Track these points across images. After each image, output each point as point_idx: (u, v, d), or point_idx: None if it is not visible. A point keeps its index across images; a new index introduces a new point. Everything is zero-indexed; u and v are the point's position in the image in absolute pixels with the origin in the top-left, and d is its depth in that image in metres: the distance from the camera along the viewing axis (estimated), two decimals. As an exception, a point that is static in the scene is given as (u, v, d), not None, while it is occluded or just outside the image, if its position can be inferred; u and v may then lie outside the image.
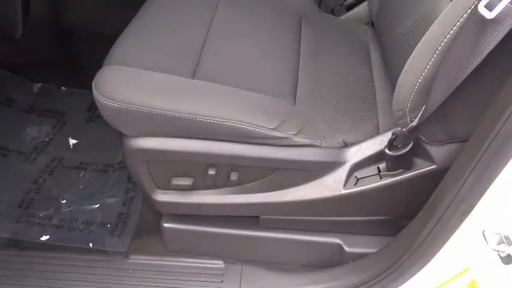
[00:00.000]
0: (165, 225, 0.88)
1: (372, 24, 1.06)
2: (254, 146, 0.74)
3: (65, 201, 1.05)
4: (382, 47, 0.94)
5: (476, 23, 0.50)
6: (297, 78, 0.86)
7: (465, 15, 0.52)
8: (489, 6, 0.48)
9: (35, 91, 1.36)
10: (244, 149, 0.74)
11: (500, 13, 0.47)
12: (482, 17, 0.48)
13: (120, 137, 0.78)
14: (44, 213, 1.02)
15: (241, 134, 0.72)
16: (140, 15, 0.92)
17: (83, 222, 1.01)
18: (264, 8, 1.02)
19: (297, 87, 0.84)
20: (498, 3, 0.47)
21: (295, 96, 0.82)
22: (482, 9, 0.48)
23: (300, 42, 0.96)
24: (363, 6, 1.11)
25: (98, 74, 0.77)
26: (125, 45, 0.83)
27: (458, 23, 0.53)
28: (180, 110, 0.71)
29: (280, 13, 1.02)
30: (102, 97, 0.72)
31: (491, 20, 0.48)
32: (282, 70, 0.86)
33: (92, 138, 1.21)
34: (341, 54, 0.97)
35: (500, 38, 0.49)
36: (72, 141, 1.21)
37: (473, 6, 0.51)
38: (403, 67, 0.63)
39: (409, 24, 0.80)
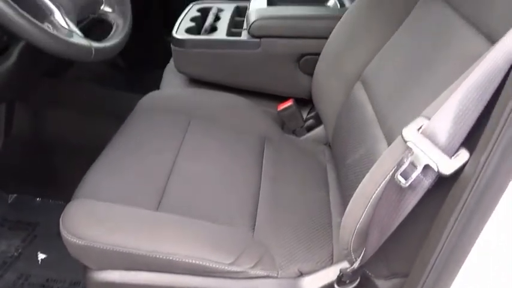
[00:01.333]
0: None
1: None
2: (212, 279, 0.77)
3: (26, 325, 1.03)
4: (336, 171, 1.02)
5: (396, 186, 0.57)
6: (257, 204, 0.92)
7: (387, 177, 0.60)
8: (405, 175, 0.55)
9: (9, 201, 1.39)
10: (202, 281, 0.77)
11: (413, 181, 0.55)
12: (400, 183, 0.56)
13: (84, 268, 0.81)
14: None
15: (200, 270, 0.75)
16: (112, 144, 0.99)
17: None
18: (231, 130, 1.11)
19: (256, 215, 0.89)
20: (412, 174, 0.55)
21: (255, 224, 0.87)
22: (399, 177, 0.56)
23: (262, 164, 1.03)
24: (321, 128, 1.21)
25: (66, 208, 0.81)
26: (95, 177, 0.89)
27: (383, 182, 0.61)
28: (141, 247, 0.75)
29: (245, 135, 1.11)
30: (68, 234, 0.76)
31: (407, 186, 0.55)
32: (244, 197, 0.92)
33: (62, 253, 1.19)
34: (300, 176, 1.04)
35: (417, 200, 0.56)
36: (41, 256, 1.22)
37: (393, 170, 0.59)
38: (351, 196, 0.70)
39: (356, 157, 0.89)
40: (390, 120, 0.82)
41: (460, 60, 0.67)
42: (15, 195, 1.40)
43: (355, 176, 0.86)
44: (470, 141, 0.52)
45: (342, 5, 1.27)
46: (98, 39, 0.85)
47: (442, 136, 0.53)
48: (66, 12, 0.75)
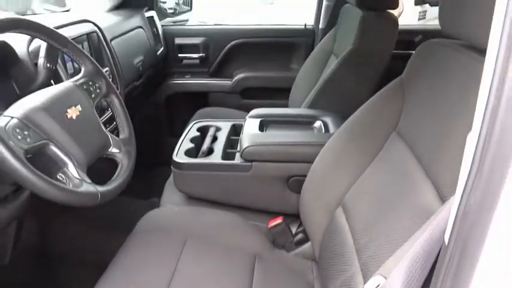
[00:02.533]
0: None
1: (318, 261, 1.21)
2: None
3: None
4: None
5: None
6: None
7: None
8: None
9: (11, 312, 1.43)
10: None
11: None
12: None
13: None
14: None
15: None
16: (109, 271, 1.05)
17: None
18: (224, 248, 1.18)
19: None
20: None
21: None
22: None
23: (252, 286, 1.09)
24: (310, 243, 1.28)
25: None
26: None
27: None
28: None
29: (237, 253, 1.17)
30: None
31: None
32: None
33: None
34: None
35: None
36: None
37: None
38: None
39: (337, 285, 0.95)
40: (365, 255, 0.89)
41: (416, 215, 0.76)
42: (17, 305, 1.44)
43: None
44: (419, 304, 0.59)
45: (327, 129, 1.41)
46: (102, 176, 0.96)
47: (395, 297, 0.61)
48: (78, 164, 0.87)
